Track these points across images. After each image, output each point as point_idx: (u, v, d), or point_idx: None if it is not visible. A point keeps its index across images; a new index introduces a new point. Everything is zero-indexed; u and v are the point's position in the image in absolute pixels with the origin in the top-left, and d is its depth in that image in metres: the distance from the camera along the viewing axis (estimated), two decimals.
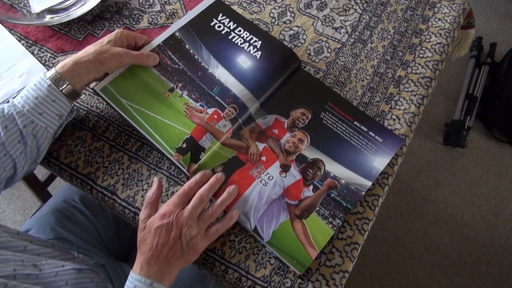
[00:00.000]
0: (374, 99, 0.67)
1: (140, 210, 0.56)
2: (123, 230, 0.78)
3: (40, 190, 1.13)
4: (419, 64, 0.71)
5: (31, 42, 0.71)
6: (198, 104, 0.62)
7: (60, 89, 0.56)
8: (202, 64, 0.65)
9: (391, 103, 0.67)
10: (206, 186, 0.54)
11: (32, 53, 0.70)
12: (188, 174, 0.58)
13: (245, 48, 0.67)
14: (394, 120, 0.66)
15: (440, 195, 1.43)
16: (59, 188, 1.14)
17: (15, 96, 0.57)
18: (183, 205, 0.52)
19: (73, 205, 0.74)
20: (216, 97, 0.63)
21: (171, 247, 0.49)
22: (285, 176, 0.59)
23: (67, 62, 0.57)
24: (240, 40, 0.67)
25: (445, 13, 0.76)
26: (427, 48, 0.73)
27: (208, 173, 0.57)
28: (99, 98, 0.65)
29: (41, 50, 0.70)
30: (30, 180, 1.10)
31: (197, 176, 0.56)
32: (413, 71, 0.70)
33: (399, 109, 0.67)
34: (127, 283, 0.50)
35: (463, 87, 1.59)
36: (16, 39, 0.71)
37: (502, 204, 1.42)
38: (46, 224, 0.71)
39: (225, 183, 0.58)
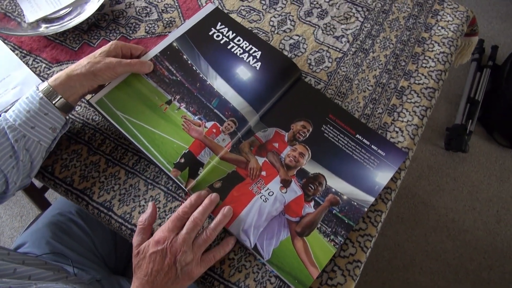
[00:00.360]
0: (377, 111, 0.66)
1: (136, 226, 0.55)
2: (120, 243, 0.76)
3: (37, 196, 1.12)
4: (422, 74, 0.69)
5: (25, 52, 0.69)
6: (196, 117, 0.61)
7: (53, 102, 0.54)
8: (201, 75, 0.64)
9: (394, 114, 0.66)
10: (200, 209, 0.53)
11: (27, 63, 0.68)
12: (186, 190, 0.57)
13: (245, 59, 0.65)
14: (397, 132, 0.64)
15: (441, 201, 1.42)
16: (57, 195, 1.13)
17: (7, 110, 0.55)
18: (178, 230, 0.51)
19: (69, 217, 0.73)
20: (215, 110, 0.61)
21: (166, 273, 0.48)
22: (285, 192, 0.58)
23: (60, 75, 0.55)
24: (240, 50, 0.66)
25: (448, 21, 0.75)
26: (430, 57, 0.71)
27: (203, 194, 0.55)
28: (95, 110, 0.63)
29: (36, 60, 0.69)
30: (27, 186, 1.08)
31: (192, 198, 0.54)
32: (416, 82, 0.69)
33: (402, 121, 0.65)
34: None
35: (464, 90, 1.57)
36: (10, 49, 0.69)
37: (504, 210, 1.40)
38: (42, 237, 0.69)
39: (224, 198, 0.56)
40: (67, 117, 0.59)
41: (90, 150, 0.62)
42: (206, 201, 0.54)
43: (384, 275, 1.29)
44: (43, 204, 1.11)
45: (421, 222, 1.38)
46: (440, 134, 1.53)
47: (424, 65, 0.70)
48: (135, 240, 0.52)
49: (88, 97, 0.61)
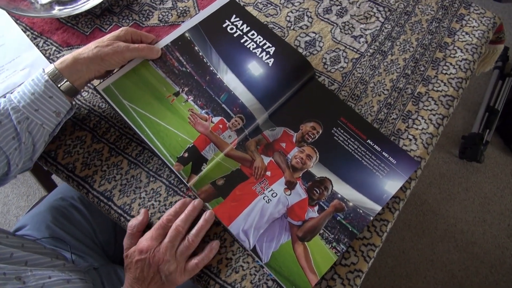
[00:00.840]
0: (391, 116, 0.63)
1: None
2: (120, 232, 0.76)
3: (44, 178, 1.12)
4: (442, 81, 0.66)
5: (36, 33, 0.69)
6: (203, 111, 0.59)
7: (58, 85, 0.54)
8: (211, 68, 0.62)
9: (409, 121, 0.63)
10: (182, 216, 0.53)
11: (37, 45, 0.67)
12: (188, 186, 0.55)
13: (257, 54, 0.63)
14: (410, 140, 0.62)
15: (451, 210, 1.38)
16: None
17: (13, 91, 0.55)
18: (161, 238, 0.51)
19: (71, 203, 0.72)
20: (223, 105, 0.60)
21: (152, 279, 0.49)
22: (289, 194, 0.56)
23: (67, 58, 0.54)
24: (253, 45, 0.64)
25: (473, 26, 0.71)
26: (451, 64, 0.68)
27: (188, 201, 0.55)
28: (102, 98, 0.62)
29: (46, 42, 0.68)
30: (35, 167, 1.09)
31: (176, 206, 0.54)
32: (435, 88, 0.66)
33: (417, 129, 0.63)
34: None
35: (484, 98, 1.52)
36: (22, 29, 0.69)
37: None
38: (42, 221, 0.69)
39: (226, 196, 0.55)
40: (73, 102, 0.58)
41: (94, 137, 0.61)
42: (189, 207, 0.54)
43: (386, 281, 1.27)
44: (49, 186, 1.12)
45: (428, 231, 1.35)
46: (455, 142, 1.49)
47: (444, 71, 0.67)
48: (125, 243, 0.53)
49: (95, 83, 0.60)
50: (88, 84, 0.64)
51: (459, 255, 1.32)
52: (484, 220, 1.37)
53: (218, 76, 0.61)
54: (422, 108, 0.64)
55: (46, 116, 0.54)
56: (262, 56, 0.63)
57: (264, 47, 0.64)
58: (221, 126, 0.58)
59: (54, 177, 1.12)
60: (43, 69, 0.54)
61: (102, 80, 0.60)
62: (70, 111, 0.58)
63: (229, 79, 0.61)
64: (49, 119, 0.55)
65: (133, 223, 0.53)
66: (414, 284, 1.27)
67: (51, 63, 0.65)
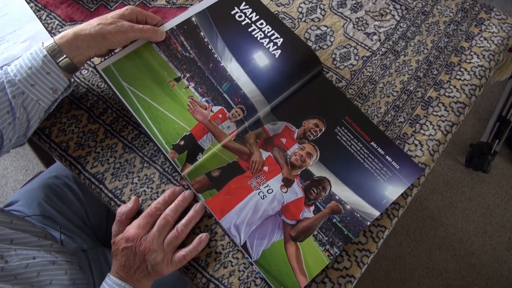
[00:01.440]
0: (398, 119, 0.61)
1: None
2: (113, 215, 0.74)
3: (44, 153, 1.12)
4: (454, 87, 0.64)
5: (40, 5, 0.67)
6: (203, 99, 0.57)
7: (57, 61, 0.52)
8: (215, 56, 0.60)
9: (416, 126, 0.61)
10: (171, 206, 0.51)
11: (40, 18, 0.66)
12: (182, 174, 0.54)
13: (264, 44, 0.61)
14: (416, 145, 0.59)
15: (452, 218, 1.36)
16: None
17: (10, 64, 0.53)
18: (149, 227, 0.50)
19: (65, 182, 0.71)
20: (224, 94, 0.58)
21: (138, 268, 0.48)
22: (286, 192, 0.54)
23: (67, 33, 0.53)
24: (260, 35, 0.61)
25: (493, 32, 0.68)
26: (466, 69, 0.65)
27: (178, 190, 0.53)
28: (101, 77, 0.60)
29: (50, 16, 0.66)
30: (35, 142, 1.08)
31: (165, 194, 0.53)
32: (446, 94, 0.63)
33: (424, 134, 0.60)
34: (107, 281, 0.49)
35: (496, 108, 1.49)
36: (26, 0, 0.67)
37: None
38: (34, 198, 0.68)
39: (220, 189, 0.53)
40: (71, 80, 0.56)
41: (91, 117, 0.59)
42: (179, 198, 0.52)
43: (379, 285, 1.26)
44: (48, 162, 1.11)
45: (427, 237, 1.33)
46: (462, 150, 1.46)
47: (458, 77, 0.65)
48: (113, 229, 0.52)
49: (96, 61, 0.58)
50: (88, 62, 0.63)
51: (456, 264, 1.30)
52: (485, 231, 1.35)
53: (221, 64, 0.59)
54: (431, 113, 0.62)
55: (42, 92, 0.52)
56: (269, 47, 0.61)
57: (272, 38, 0.61)
58: (220, 116, 0.56)
59: None
60: (42, 43, 0.53)
61: (102, 59, 0.58)
62: (68, 88, 0.56)
63: (233, 68, 0.59)
64: (45, 96, 0.53)
65: (122, 209, 0.52)
66: None
67: (52, 37, 0.64)
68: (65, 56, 0.52)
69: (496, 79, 0.83)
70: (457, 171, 1.44)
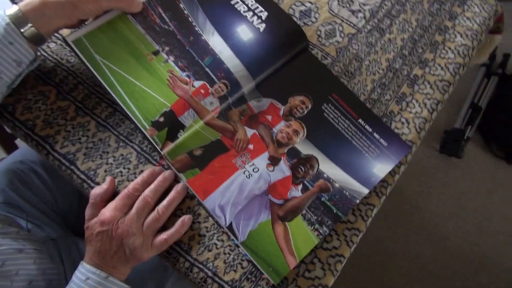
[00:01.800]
0: (384, 97, 0.60)
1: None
2: (85, 202, 0.70)
3: (7, 141, 1.04)
4: (439, 65, 0.63)
5: None
6: (184, 74, 0.54)
7: (21, 30, 0.47)
8: (196, 29, 0.56)
9: (402, 104, 0.60)
10: (151, 187, 0.48)
11: None
12: (162, 153, 0.50)
13: (248, 18, 0.58)
14: (402, 123, 0.58)
15: (428, 203, 1.39)
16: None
17: None
18: (127, 209, 0.46)
19: (31, 167, 0.66)
20: (206, 69, 0.54)
21: (115, 253, 0.45)
22: (272, 170, 0.52)
23: (34, 0, 0.47)
24: (244, 8, 0.58)
25: (475, 12, 0.68)
26: (450, 48, 0.65)
27: (157, 170, 0.50)
28: (71, 50, 0.56)
29: None
30: None
31: (144, 174, 0.49)
32: (431, 72, 0.63)
33: (410, 112, 0.59)
34: (80, 270, 0.44)
35: (468, 95, 1.52)
36: None
37: (487, 221, 1.38)
38: None
39: (203, 168, 0.50)
40: (37, 53, 0.51)
41: (60, 94, 0.54)
42: (159, 178, 0.49)
43: (361, 270, 1.27)
44: (11, 149, 1.04)
45: (404, 222, 1.35)
46: (437, 136, 1.48)
47: (442, 55, 0.64)
48: (87, 213, 0.48)
49: (65, 33, 0.53)
50: (56, 35, 0.57)
51: (431, 248, 1.33)
52: (458, 215, 1.38)
53: (203, 37, 0.56)
54: (417, 91, 0.61)
55: (4, 65, 0.47)
56: (253, 21, 0.58)
57: (256, 11, 0.58)
58: (202, 91, 0.53)
59: (18, 141, 1.04)
60: (4, 10, 0.47)
61: (73, 30, 0.53)
62: (34, 62, 0.51)
63: (215, 41, 0.56)
64: (8, 68, 0.48)
65: (96, 191, 0.48)
66: (389, 274, 1.27)
67: (16, 4, 0.58)
68: (30, 25, 0.47)
69: (475, 62, 0.84)
70: (432, 157, 1.47)
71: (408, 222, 1.35)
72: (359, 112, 0.56)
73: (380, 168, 0.53)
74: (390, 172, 0.54)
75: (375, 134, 0.55)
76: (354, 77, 0.61)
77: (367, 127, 0.55)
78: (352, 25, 0.65)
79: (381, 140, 0.55)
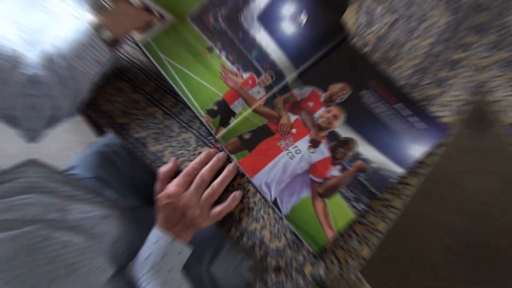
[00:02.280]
0: (424, 81, 0.57)
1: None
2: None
3: (98, 129, 1.16)
4: (482, 47, 0.58)
5: None
6: (234, 66, 0.56)
7: (100, 34, 0.52)
8: (244, 25, 0.57)
9: (442, 87, 0.56)
10: (207, 166, 0.52)
11: None
12: (216, 137, 0.53)
13: (290, 13, 0.57)
14: (444, 106, 0.55)
15: (469, 183, 1.29)
16: None
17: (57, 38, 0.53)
18: (187, 184, 0.51)
19: (114, 150, 0.73)
20: (254, 62, 0.56)
21: (178, 221, 0.49)
22: (313, 152, 0.52)
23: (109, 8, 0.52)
24: (285, 4, 0.58)
25: None
26: None
27: (213, 152, 0.53)
28: (141, 51, 0.60)
29: None
30: (89, 118, 1.12)
31: (201, 156, 0.53)
32: (474, 55, 0.58)
33: (451, 95, 0.55)
34: (152, 234, 0.50)
35: None
36: None
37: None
38: (89, 163, 0.70)
39: (251, 150, 0.52)
40: (113, 53, 0.56)
41: (133, 88, 0.59)
42: (214, 159, 0.53)
43: (399, 244, 1.23)
44: (101, 134, 1.15)
45: (445, 200, 1.27)
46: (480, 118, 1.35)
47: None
48: (156, 187, 0.53)
49: (137, 38, 0.57)
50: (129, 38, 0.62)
51: (473, 225, 1.24)
52: (502, 193, 1.26)
53: (251, 33, 0.57)
54: (458, 75, 0.57)
55: (88, 65, 0.53)
56: (295, 16, 0.57)
57: (297, 7, 0.58)
58: (250, 82, 0.55)
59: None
60: (85, 18, 0.52)
61: (141, 32, 0.57)
62: (110, 61, 0.56)
63: (262, 36, 0.57)
64: (91, 68, 0.53)
65: (163, 169, 0.53)
66: (428, 249, 1.22)
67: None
68: (107, 30, 0.52)
69: None
70: (473, 138, 1.35)
71: (449, 200, 1.27)
72: (397, 97, 0.54)
73: (417, 149, 0.51)
74: (429, 154, 0.52)
75: (413, 117, 0.53)
76: (394, 63, 0.58)
77: (405, 110, 0.53)
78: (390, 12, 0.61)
79: (418, 123, 0.52)
